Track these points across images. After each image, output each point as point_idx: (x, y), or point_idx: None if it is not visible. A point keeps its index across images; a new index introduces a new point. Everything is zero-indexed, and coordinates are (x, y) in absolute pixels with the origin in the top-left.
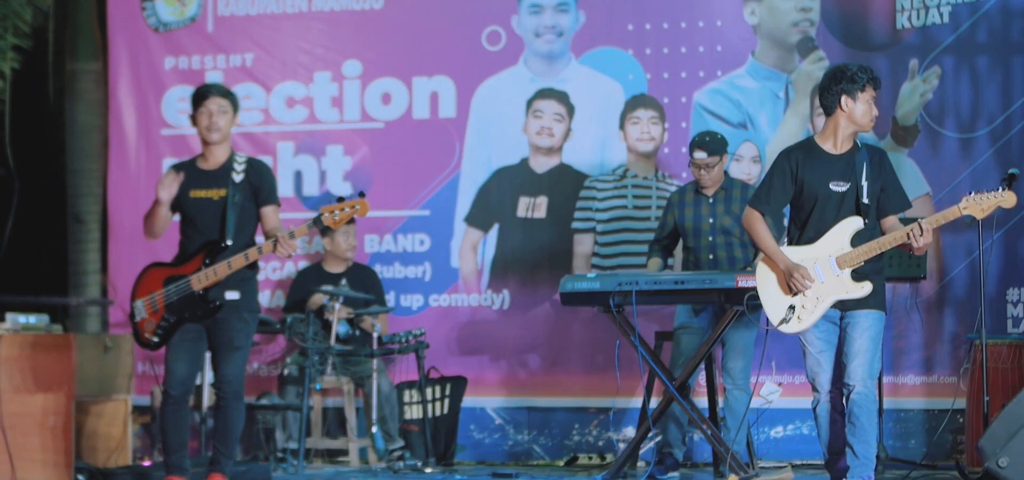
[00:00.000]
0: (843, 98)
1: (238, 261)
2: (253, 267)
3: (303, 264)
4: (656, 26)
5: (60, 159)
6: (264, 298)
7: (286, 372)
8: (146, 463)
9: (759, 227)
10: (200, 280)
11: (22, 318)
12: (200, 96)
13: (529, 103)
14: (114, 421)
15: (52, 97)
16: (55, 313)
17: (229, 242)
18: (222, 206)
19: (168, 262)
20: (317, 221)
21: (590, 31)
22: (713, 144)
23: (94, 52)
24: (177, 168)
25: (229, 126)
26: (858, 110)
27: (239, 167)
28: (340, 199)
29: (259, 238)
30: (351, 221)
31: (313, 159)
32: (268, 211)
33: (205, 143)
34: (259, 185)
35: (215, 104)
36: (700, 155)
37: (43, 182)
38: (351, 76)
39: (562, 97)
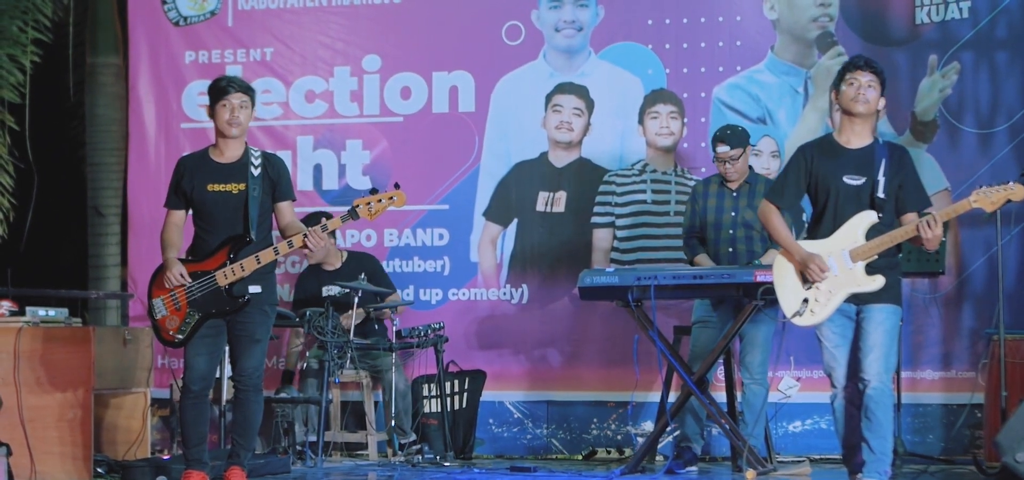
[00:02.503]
0: (833, 94)
1: (267, 255)
2: (273, 260)
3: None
4: (676, 21)
5: (80, 153)
6: (284, 292)
7: (305, 365)
8: (165, 456)
9: (774, 219)
10: (226, 275)
11: (42, 311)
12: (221, 90)
13: (548, 97)
14: (133, 414)
15: (72, 91)
16: (75, 306)
17: (253, 236)
18: (242, 200)
19: (185, 258)
20: (352, 213)
21: (609, 26)
22: (734, 137)
23: (114, 46)
24: (189, 160)
25: (248, 120)
26: (842, 96)
27: (256, 161)
28: (373, 191)
29: (275, 232)
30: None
31: (332, 153)
32: (284, 206)
33: (223, 137)
34: (277, 179)
35: (238, 98)
36: (723, 148)
37: (63, 176)
38: (371, 70)
39: (581, 91)
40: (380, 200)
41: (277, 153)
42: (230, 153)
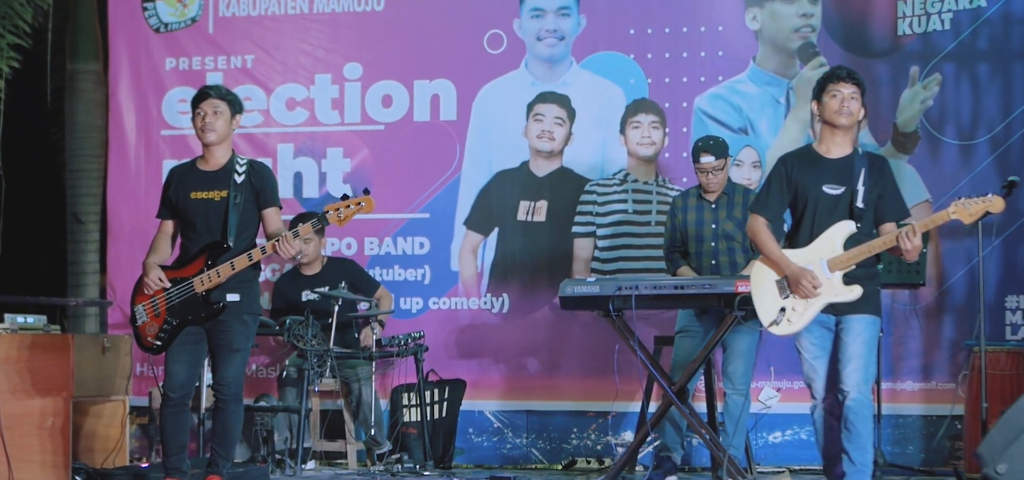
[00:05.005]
0: (814, 105)
1: (241, 262)
2: (255, 269)
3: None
4: (657, 31)
5: (59, 159)
6: (264, 301)
7: (284, 374)
8: (144, 464)
9: (763, 234)
10: (202, 282)
11: (20, 318)
12: (197, 98)
13: (530, 106)
14: (112, 422)
15: (51, 97)
16: (53, 314)
17: (230, 243)
18: (223, 207)
19: (168, 265)
20: (322, 219)
21: (591, 35)
22: (717, 148)
23: (94, 52)
24: (177, 169)
25: (227, 128)
26: (824, 108)
27: (241, 169)
28: (344, 197)
29: (260, 240)
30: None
31: (313, 161)
32: (270, 213)
33: (204, 145)
34: (261, 187)
35: (210, 106)
36: (707, 159)
37: (42, 182)
38: (352, 78)
39: (563, 101)
40: (349, 206)
41: (259, 160)
42: (214, 161)
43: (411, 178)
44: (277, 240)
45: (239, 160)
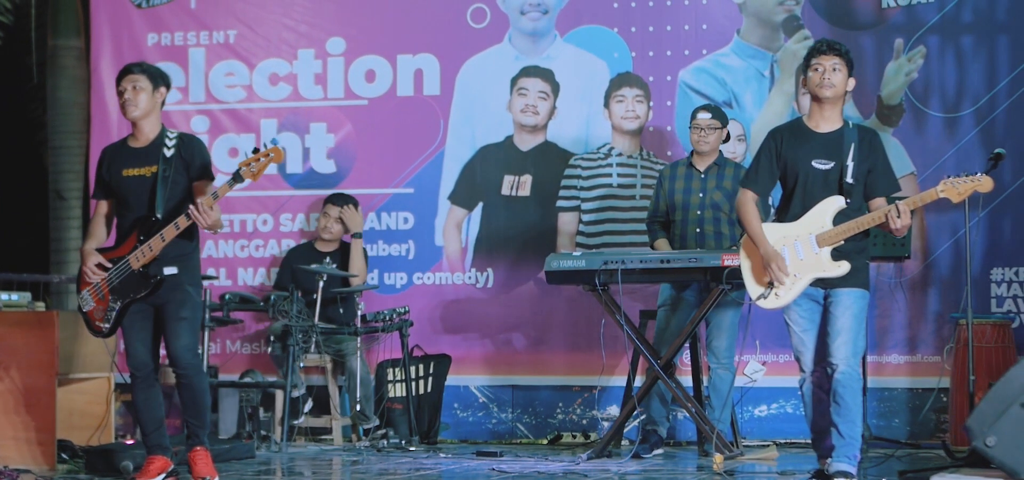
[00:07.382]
0: (801, 80)
1: (170, 231)
2: (192, 240)
3: (288, 243)
4: (641, 4)
5: (41, 135)
6: (248, 276)
7: (271, 350)
8: (129, 441)
9: (748, 210)
10: (137, 258)
11: (4, 295)
12: (118, 76)
13: (514, 81)
14: (97, 399)
15: (34, 73)
16: (37, 290)
17: (159, 216)
18: (154, 182)
19: (107, 247)
20: (236, 176)
21: (575, 9)
22: (717, 112)
23: (76, 28)
24: (108, 149)
25: (150, 102)
26: (809, 82)
27: (170, 142)
28: (256, 151)
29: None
30: (350, 204)
31: (296, 136)
32: (199, 186)
33: (131, 122)
34: (190, 160)
35: (129, 82)
36: (704, 116)
37: (24, 159)
38: (335, 53)
39: (547, 75)
40: (259, 159)
41: (242, 135)
42: (144, 137)
43: (395, 153)
44: (192, 208)
45: (169, 134)
